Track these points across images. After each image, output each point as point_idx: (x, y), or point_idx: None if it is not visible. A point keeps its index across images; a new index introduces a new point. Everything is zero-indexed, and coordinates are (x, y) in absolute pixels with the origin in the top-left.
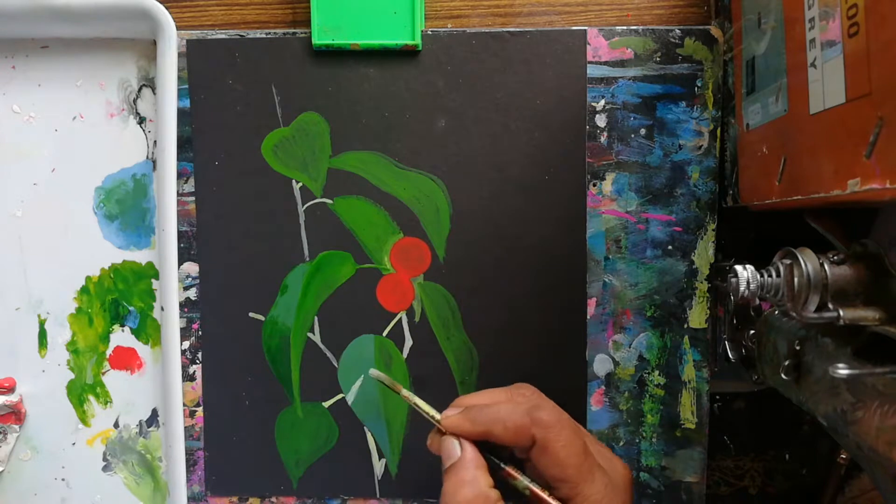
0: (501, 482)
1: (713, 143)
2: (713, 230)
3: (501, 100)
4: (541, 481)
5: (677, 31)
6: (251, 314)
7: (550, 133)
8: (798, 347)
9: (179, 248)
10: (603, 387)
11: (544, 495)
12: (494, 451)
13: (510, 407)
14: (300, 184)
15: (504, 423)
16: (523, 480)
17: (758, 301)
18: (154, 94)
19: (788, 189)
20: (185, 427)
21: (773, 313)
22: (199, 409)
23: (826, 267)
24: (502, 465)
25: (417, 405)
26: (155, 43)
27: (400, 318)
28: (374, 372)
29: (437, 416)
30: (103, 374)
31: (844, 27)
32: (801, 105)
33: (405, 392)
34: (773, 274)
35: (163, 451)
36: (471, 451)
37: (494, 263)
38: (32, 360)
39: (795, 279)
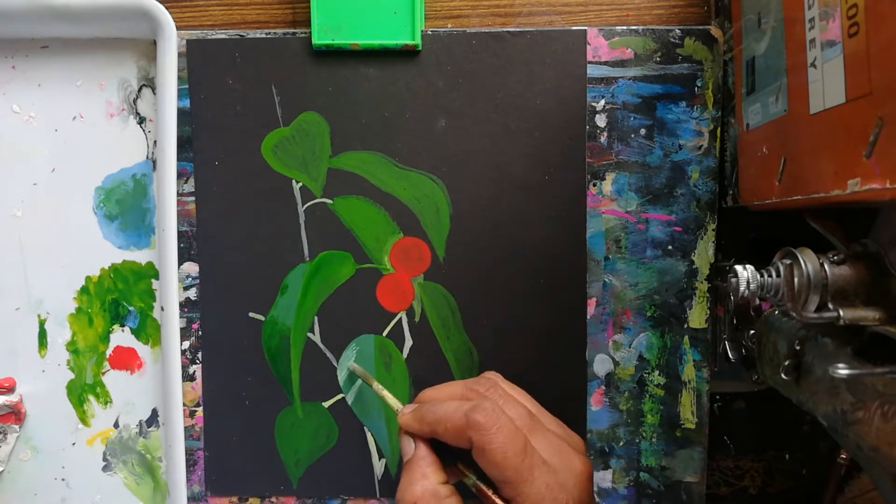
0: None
1: (713, 143)
2: (713, 230)
3: (501, 100)
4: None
5: (677, 31)
6: (251, 314)
7: (550, 133)
8: (798, 347)
9: (179, 248)
10: (603, 387)
11: (489, 493)
12: (450, 447)
13: (454, 406)
14: (300, 184)
15: (445, 425)
16: (471, 477)
17: (758, 301)
18: (154, 94)
19: (788, 189)
20: (185, 427)
21: (773, 313)
22: (199, 409)
23: (826, 267)
24: (454, 462)
25: (386, 399)
26: (155, 43)
27: (400, 318)
28: (352, 365)
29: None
30: (103, 374)
31: (844, 27)
32: (801, 105)
33: (376, 385)
34: (773, 274)
35: (163, 451)
36: (422, 449)
37: (494, 263)
38: (32, 360)
39: (795, 279)
